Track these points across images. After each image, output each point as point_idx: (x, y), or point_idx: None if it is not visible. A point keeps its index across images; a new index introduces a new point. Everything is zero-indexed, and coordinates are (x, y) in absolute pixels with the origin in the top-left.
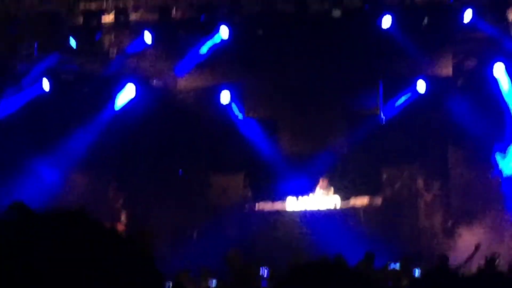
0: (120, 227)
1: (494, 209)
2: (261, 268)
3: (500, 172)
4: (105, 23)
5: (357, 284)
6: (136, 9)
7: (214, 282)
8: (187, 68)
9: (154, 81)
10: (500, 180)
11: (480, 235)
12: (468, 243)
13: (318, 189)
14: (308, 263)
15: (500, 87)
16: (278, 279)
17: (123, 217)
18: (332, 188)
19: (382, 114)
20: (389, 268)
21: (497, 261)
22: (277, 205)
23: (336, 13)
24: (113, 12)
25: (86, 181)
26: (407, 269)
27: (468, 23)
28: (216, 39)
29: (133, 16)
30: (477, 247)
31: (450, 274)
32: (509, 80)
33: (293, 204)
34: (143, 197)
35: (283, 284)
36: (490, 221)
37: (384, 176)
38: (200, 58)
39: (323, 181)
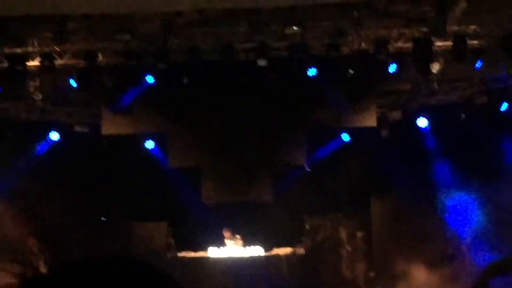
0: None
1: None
2: None
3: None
4: (30, 68)
5: None
6: (62, 54)
7: None
8: (112, 114)
9: (78, 127)
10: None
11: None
12: None
13: (226, 240)
14: None
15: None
16: None
17: (41, 264)
18: (238, 237)
19: (306, 165)
20: None
21: None
22: (200, 254)
23: (262, 62)
24: (39, 56)
25: (5, 227)
26: None
27: (392, 74)
28: (141, 86)
29: (59, 61)
30: None
31: None
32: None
33: (215, 253)
34: (64, 244)
35: None
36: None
37: (307, 225)
38: (125, 105)
39: (226, 232)
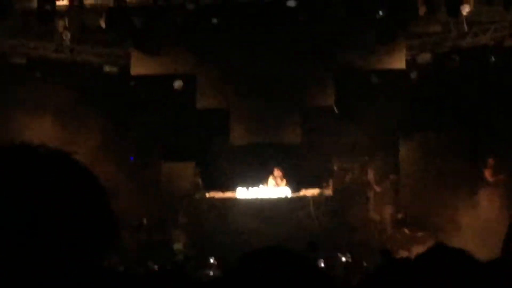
0: None
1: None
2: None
3: None
4: (59, 7)
5: (305, 271)
6: None
7: None
8: (141, 55)
9: (107, 67)
10: None
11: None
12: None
13: (270, 179)
14: (256, 251)
15: None
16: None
17: None
18: (284, 180)
19: (335, 107)
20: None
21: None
22: (227, 195)
23: (291, 3)
24: None
25: None
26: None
27: (423, 16)
28: (171, 27)
29: (88, 1)
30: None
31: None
32: None
33: (243, 193)
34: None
35: (232, 272)
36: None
37: (335, 167)
38: (154, 45)
39: (277, 171)
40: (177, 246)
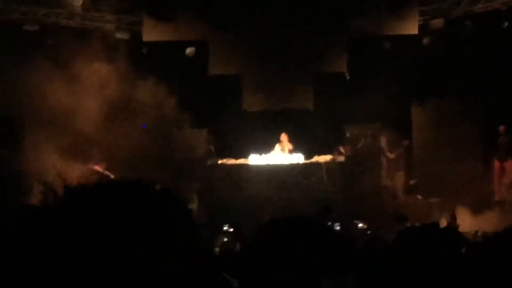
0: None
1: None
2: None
3: None
4: None
5: (325, 239)
6: None
7: None
8: (153, 21)
9: (118, 33)
10: None
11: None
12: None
13: (277, 145)
14: (274, 221)
15: None
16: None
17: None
18: (290, 144)
19: (347, 73)
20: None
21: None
22: (240, 161)
23: None
24: None
25: None
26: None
27: None
28: None
29: None
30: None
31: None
32: None
33: (256, 160)
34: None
35: (253, 243)
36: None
37: (348, 134)
38: (167, 12)
39: (283, 136)
40: (192, 206)
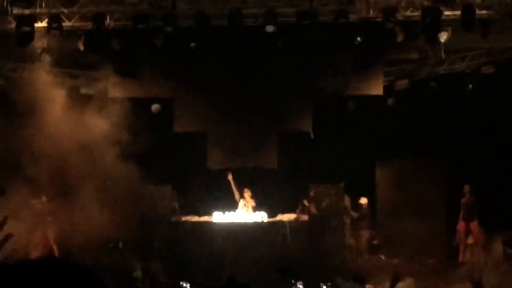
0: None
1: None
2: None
3: None
4: (38, 29)
5: None
6: (70, 16)
7: None
8: (119, 78)
9: (84, 89)
10: None
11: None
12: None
13: (241, 201)
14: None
15: None
16: None
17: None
18: (253, 200)
19: (312, 132)
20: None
21: None
22: (204, 219)
23: (270, 28)
24: (47, 18)
25: None
26: None
27: (400, 42)
28: (149, 50)
29: (67, 23)
30: None
31: None
32: None
33: (220, 217)
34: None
35: None
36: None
37: (312, 193)
38: (132, 69)
39: (246, 191)
40: (136, 274)
